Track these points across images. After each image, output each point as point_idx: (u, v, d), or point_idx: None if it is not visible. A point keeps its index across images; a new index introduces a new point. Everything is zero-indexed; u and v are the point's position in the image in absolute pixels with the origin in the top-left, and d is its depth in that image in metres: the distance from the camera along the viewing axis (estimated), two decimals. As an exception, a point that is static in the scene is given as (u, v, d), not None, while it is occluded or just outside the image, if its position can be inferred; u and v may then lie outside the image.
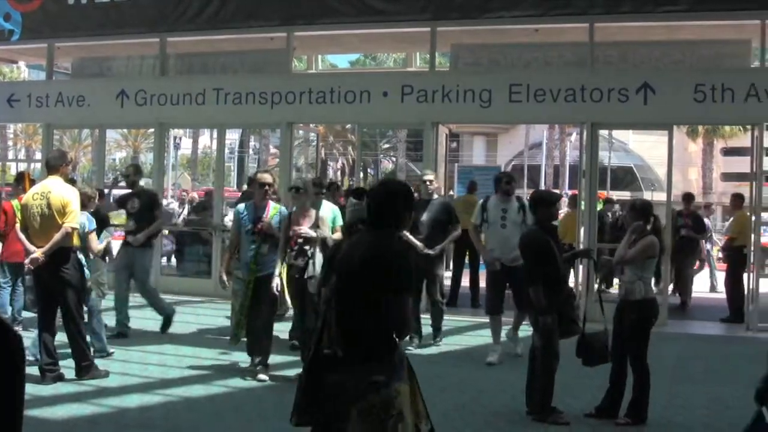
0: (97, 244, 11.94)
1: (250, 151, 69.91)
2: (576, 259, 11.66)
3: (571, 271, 15.99)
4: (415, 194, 13.06)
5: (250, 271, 11.37)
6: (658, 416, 9.62)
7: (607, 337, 9.58)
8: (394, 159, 68.95)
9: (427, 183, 14.06)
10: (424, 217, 13.53)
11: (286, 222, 11.40)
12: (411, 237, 12.77)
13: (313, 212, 11.55)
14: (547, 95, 17.33)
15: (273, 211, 11.56)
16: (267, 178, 11.89)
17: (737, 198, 19.17)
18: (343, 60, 59.38)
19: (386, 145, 68.22)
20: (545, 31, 18.44)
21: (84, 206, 11.70)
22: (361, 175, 46.88)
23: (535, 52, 18.28)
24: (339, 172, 70.56)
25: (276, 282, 11.22)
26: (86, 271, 11.16)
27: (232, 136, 62.04)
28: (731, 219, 20.07)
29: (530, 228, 10.53)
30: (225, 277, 11.76)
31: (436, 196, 14.41)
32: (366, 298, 5.32)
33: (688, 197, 21.15)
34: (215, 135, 22.40)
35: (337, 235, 12.61)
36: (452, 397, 10.36)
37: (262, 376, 11.10)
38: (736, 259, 17.64)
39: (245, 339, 11.55)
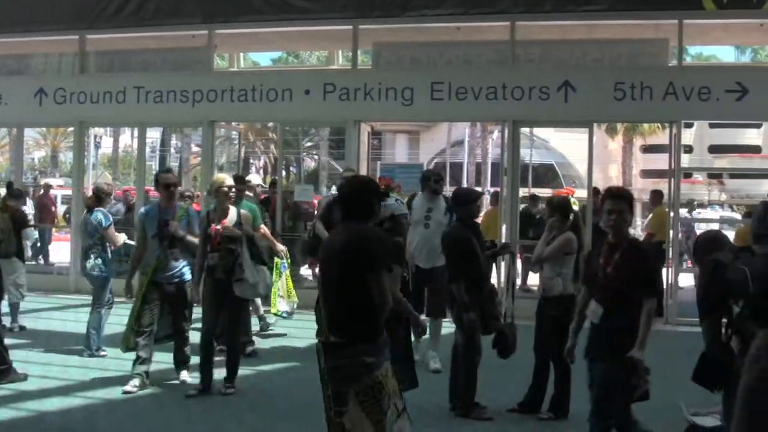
0: (116, 238, 12.41)
1: (172, 150, 69.23)
2: (498, 255, 11.62)
3: (494, 267, 16.10)
4: (332, 192, 12.98)
5: (148, 273, 10.69)
6: (579, 411, 9.67)
7: (515, 328, 9.71)
8: (316, 157, 68.76)
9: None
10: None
11: (204, 221, 10.64)
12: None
13: (233, 210, 10.77)
14: (468, 93, 17.45)
15: (180, 212, 10.93)
16: (171, 178, 11.23)
17: (656, 194, 19.42)
18: (265, 58, 59.21)
19: (308, 144, 68.01)
20: (467, 30, 18.53)
21: (100, 202, 11.84)
22: (284, 173, 46.72)
23: (457, 50, 18.36)
24: (261, 171, 70.26)
25: (192, 290, 10.64)
26: None
27: (154, 135, 61.40)
28: (650, 215, 20.30)
29: (452, 225, 10.57)
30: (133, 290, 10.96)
31: None
32: (348, 280, 5.76)
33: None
34: (136, 134, 22.16)
35: (259, 235, 12.58)
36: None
37: (184, 376, 10.91)
38: (655, 254, 17.85)
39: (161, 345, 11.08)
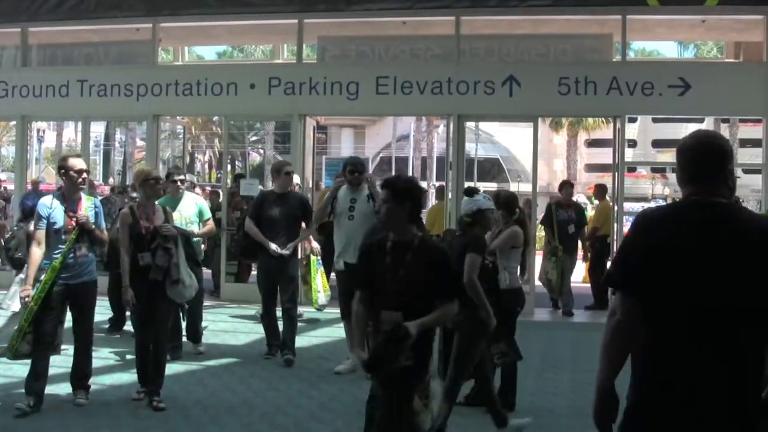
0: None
1: (116, 144, 68.81)
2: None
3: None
4: (259, 187, 12.68)
5: (52, 269, 9.09)
6: (526, 403, 9.78)
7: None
8: (261, 151, 68.59)
9: (287, 174, 12.39)
10: (277, 212, 12.08)
11: (128, 218, 9.63)
12: (261, 236, 11.98)
13: (159, 207, 9.95)
14: (414, 88, 17.49)
15: (86, 202, 9.43)
16: (78, 163, 9.39)
17: (600, 188, 19.56)
18: (210, 52, 58.84)
19: (254, 138, 67.84)
20: (413, 24, 18.56)
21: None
22: (228, 168, 46.53)
23: (403, 44, 18.38)
24: (206, 165, 69.96)
25: (124, 293, 9.51)
26: None
27: (98, 129, 60.99)
28: (595, 209, 20.45)
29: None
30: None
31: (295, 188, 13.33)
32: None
33: (568, 185, 19.09)
34: (80, 128, 21.88)
35: (207, 229, 12.44)
36: (317, 395, 10.31)
37: (81, 397, 9.56)
38: (599, 248, 17.98)
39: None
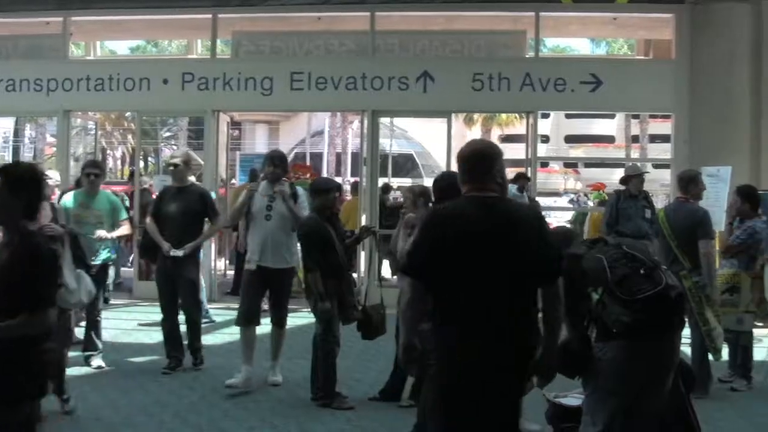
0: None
1: (26, 141, 67.72)
2: (362, 240, 11.48)
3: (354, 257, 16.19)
4: (168, 181, 12.15)
5: None
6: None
7: (384, 309, 9.75)
8: (175, 147, 67.96)
9: (171, 168, 11.66)
10: (174, 208, 11.33)
11: None
12: (158, 235, 11.23)
13: (47, 204, 8.88)
14: (328, 83, 17.49)
15: None
16: None
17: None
18: (123, 46, 58.14)
19: (167, 134, 67.20)
20: (327, 20, 18.55)
21: None
22: (141, 164, 46.09)
23: (317, 40, 18.34)
24: (119, 161, 69.17)
25: None
26: None
27: (6, 125, 59.95)
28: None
29: (308, 216, 10.54)
30: None
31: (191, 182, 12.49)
32: None
33: (523, 177, 17.68)
34: (-12, 123, 21.54)
35: (124, 230, 11.80)
36: (230, 390, 10.27)
37: None
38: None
39: None
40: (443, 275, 5.26)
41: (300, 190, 10.93)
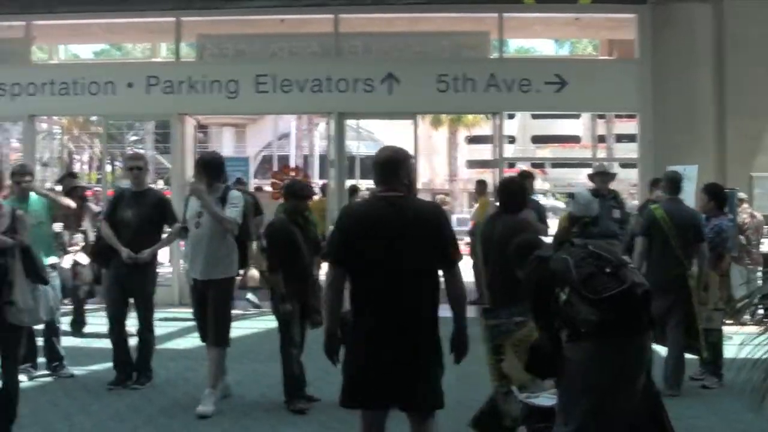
0: None
1: (-9, 145, 67.34)
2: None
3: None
4: (126, 185, 11.76)
5: None
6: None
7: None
8: (142, 151, 67.71)
9: (136, 170, 10.79)
10: (129, 214, 10.54)
11: None
12: (114, 239, 10.43)
13: (6, 210, 8.04)
14: (293, 86, 17.51)
15: None
16: None
17: (481, 184, 19.73)
18: (87, 50, 57.81)
19: (134, 138, 66.89)
20: (291, 22, 18.56)
21: None
22: (108, 168, 45.84)
23: (282, 42, 18.33)
24: (87, 166, 68.81)
25: None
26: None
27: (-30, 130, 59.54)
28: (476, 205, 20.63)
29: (277, 218, 10.48)
30: None
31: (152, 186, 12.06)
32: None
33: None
34: (-49, 129, 21.37)
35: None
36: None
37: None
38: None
39: None
40: (356, 261, 6.10)
41: (234, 192, 9.85)
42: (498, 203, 9.17)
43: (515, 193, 8.83)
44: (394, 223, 6.08)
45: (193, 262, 9.72)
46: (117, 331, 10.60)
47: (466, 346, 6.23)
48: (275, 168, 52.04)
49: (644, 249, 10.29)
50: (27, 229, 8.08)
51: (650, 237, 10.38)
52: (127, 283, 10.50)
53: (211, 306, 9.55)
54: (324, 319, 6.33)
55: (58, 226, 11.96)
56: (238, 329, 11.58)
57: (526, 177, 14.25)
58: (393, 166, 6.25)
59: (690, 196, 13.74)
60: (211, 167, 9.80)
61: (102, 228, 10.81)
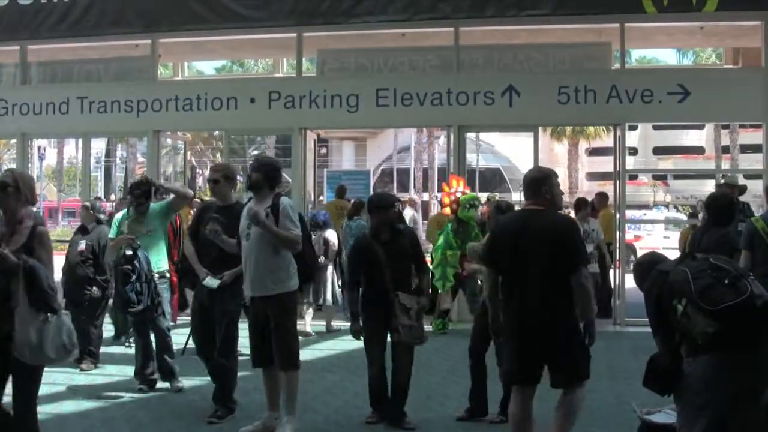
0: None
1: (117, 161, 68.89)
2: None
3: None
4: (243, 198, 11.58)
5: None
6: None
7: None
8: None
9: (211, 183, 10.03)
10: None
11: None
12: (195, 260, 9.69)
13: (27, 225, 6.87)
14: (414, 99, 17.50)
15: None
16: None
17: (602, 197, 19.50)
18: (209, 67, 58.94)
19: (255, 152, 67.81)
20: (411, 36, 18.57)
21: None
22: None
23: (402, 56, 18.40)
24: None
25: None
26: None
27: (98, 145, 61.07)
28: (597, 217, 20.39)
29: (361, 234, 10.43)
30: None
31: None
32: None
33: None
34: (80, 144, 21.85)
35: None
36: (331, 401, 10.28)
37: None
38: (602, 255, 17.91)
39: None
40: (505, 264, 7.44)
41: (285, 200, 8.89)
42: (706, 216, 10.05)
43: (723, 207, 9.64)
44: (531, 231, 7.31)
45: (246, 277, 8.85)
46: (208, 361, 9.82)
47: (593, 336, 7.35)
48: (395, 181, 52.22)
49: (748, 262, 9.53)
50: (47, 250, 6.86)
51: (752, 250, 9.72)
52: (209, 308, 9.58)
53: (273, 325, 8.71)
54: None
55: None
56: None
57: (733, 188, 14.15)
58: (535, 184, 7.52)
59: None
60: (273, 169, 8.97)
61: (185, 246, 10.21)
